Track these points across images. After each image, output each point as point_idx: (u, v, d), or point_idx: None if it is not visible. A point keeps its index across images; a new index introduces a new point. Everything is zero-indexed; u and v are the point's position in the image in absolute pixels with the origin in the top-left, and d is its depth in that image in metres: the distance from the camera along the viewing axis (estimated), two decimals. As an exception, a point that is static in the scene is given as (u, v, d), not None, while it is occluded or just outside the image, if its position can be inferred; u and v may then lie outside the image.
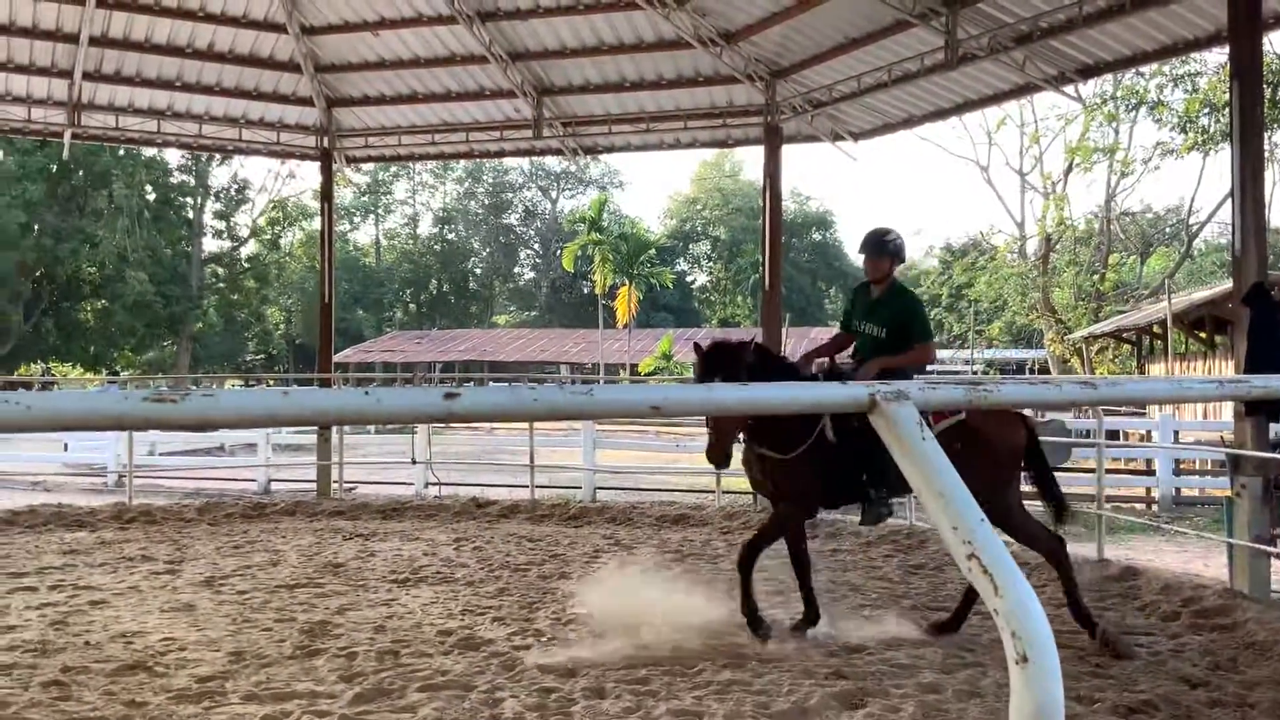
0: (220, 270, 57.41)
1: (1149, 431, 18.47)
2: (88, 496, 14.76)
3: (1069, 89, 12.21)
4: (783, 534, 6.69)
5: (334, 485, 14.49)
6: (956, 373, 43.51)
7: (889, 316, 6.82)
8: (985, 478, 5.70)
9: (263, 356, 64.56)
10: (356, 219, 73.51)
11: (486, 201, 75.23)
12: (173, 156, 50.99)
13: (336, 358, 43.51)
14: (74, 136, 15.40)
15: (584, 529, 11.42)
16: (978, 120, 35.94)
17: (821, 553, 9.84)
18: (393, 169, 67.93)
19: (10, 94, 14.78)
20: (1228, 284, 11.75)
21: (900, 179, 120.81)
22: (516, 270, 77.40)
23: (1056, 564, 6.63)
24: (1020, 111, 35.31)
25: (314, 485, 15.08)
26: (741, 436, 6.64)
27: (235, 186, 56.75)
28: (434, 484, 14.83)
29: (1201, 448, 14.42)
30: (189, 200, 54.93)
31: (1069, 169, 34.72)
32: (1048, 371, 37.50)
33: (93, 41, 13.92)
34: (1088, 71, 11.71)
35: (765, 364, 6.47)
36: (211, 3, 13.98)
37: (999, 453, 6.53)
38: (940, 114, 13.53)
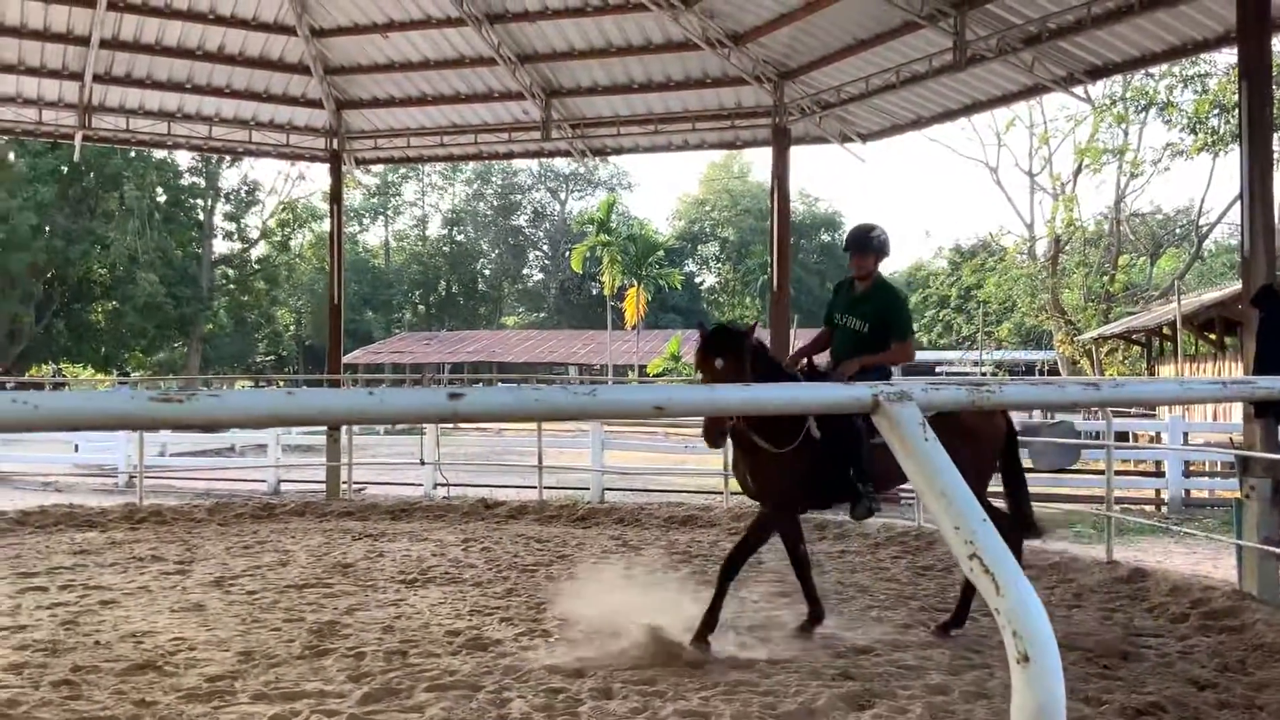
0: (230, 272, 57.55)
1: (1158, 433, 18.42)
2: (98, 497, 14.82)
3: (1078, 90, 12.20)
4: (766, 537, 6.61)
5: (343, 486, 14.53)
6: (965, 374, 43.42)
7: (872, 311, 6.77)
8: (964, 465, 5.69)
9: (273, 358, 64.73)
10: (366, 221, 73.64)
11: (495, 203, 75.31)
12: (183, 159, 51.21)
13: (346, 359, 43.63)
14: (85, 139, 15.49)
15: (592, 530, 11.43)
16: (987, 121, 35.81)
17: (829, 554, 9.85)
18: (402, 171, 68.05)
19: (22, 96, 14.87)
20: (1238, 285, 11.72)
21: (909, 180, 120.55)
22: (525, 271, 77.46)
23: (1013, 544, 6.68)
24: (1029, 112, 35.23)
25: (323, 486, 15.12)
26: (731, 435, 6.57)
27: (245, 188, 56.92)
28: (443, 485, 14.86)
29: (1211, 449, 14.38)
30: (199, 202, 55.08)
31: (1078, 170, 34.65)
32: (1057, 373, 37.41)
33: (104, 44, 13.99)
34: (1096, 73, 11.70)
35: (762, 354, 6.44)
36: (222, 5, 14.04)
37: (981, 441, 6.51)
38: (949, 115, 13.53)
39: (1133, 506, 14.60)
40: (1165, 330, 25.51)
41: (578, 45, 14.18)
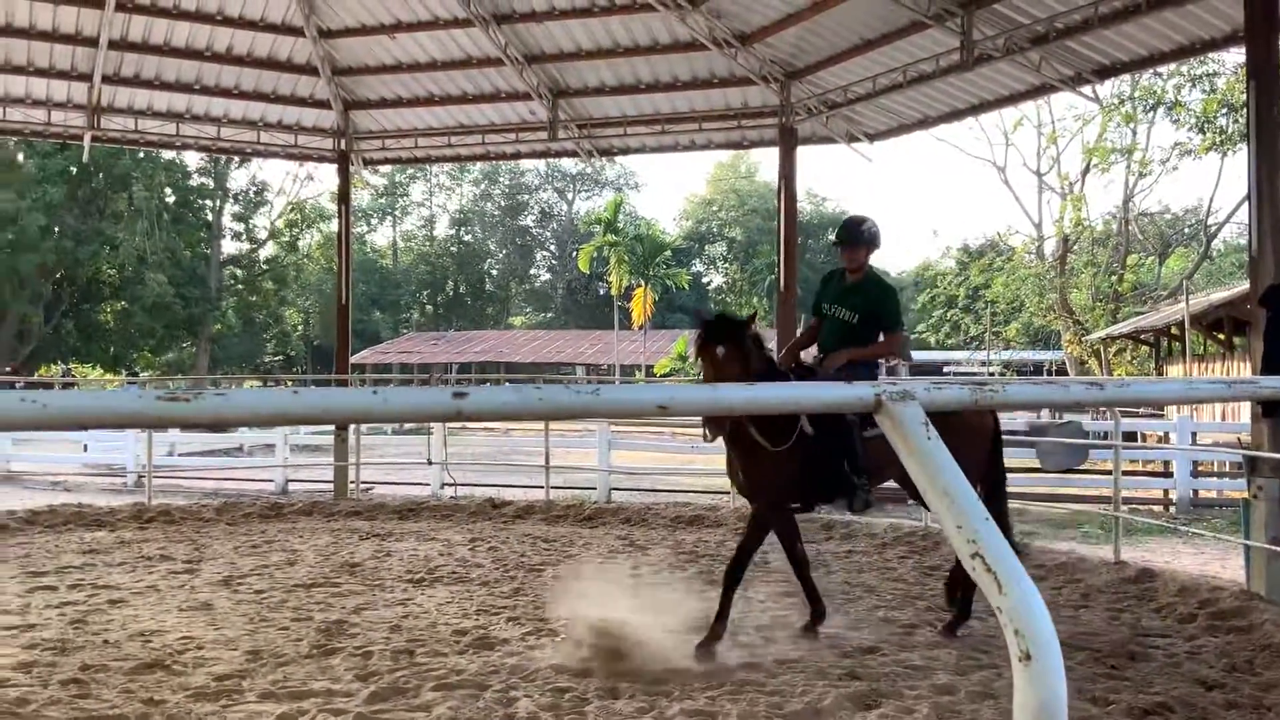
0: (239, 272, 57.68)
1: (1167, 433, 18.38)
2: (107, 496, 14.87)
3: (1085, 89, 12.19)
4: (763, 536, 6.56)
5: (351, 486, 14.56)
6: (973, 374, 43.33)
7: (862, 303, 6.74)
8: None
9: (281, 358, 64.85)
10: (374, 221, 73.80)
11: (503, 203, 75.39)
12: (192, 159, 51.33)
13: (354, 359, 43.69)
14: (94, 139, 15.54)
15: (599, 530, 11.44)
16: (995, 121, 35.90)
17: (836, 554, 9.85)
18: (409, 171, 68.15)
19: (31, 97, 14.92)
20: (1246, 285, 11.69)
21: (917, 180, 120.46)
22: (532, 272, 77.55)
23: None
24: (1037, 112, 35.15)
25: (331, 486, 15.16)
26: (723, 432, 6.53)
27: (254, 189, 57.06)
28: (450, 485, 14.88)
29: (1219, 449, 14.35)
30: (208, 203, 55.21)
31: (1086, 169, 34.55)
32: (1065, 373, 37.33)
33: (112, 45, 14.03)
34: (1104, 72, 11.67)
35: (760, 347, 6.40)
36: (230, 6, 14.07)
37: (970, 437, 6.47)
38: (956, 115, 13.51)
39: (1141, 507, 14.57)
40: (1173, 330, 25.44)
41: (585, 46, 14.19)
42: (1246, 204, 8.61)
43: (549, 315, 74.89)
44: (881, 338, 6.83)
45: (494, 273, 76.91)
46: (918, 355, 59.00)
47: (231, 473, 19.07)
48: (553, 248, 76.44)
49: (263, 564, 9.26)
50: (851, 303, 6.77)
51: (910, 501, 7.11)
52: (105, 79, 14.58)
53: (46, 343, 48.23)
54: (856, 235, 6.84)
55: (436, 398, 1.40)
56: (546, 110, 15.12)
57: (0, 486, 16.85)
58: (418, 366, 53.55)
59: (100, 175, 47.30)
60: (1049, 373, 42.81)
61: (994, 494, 6.74)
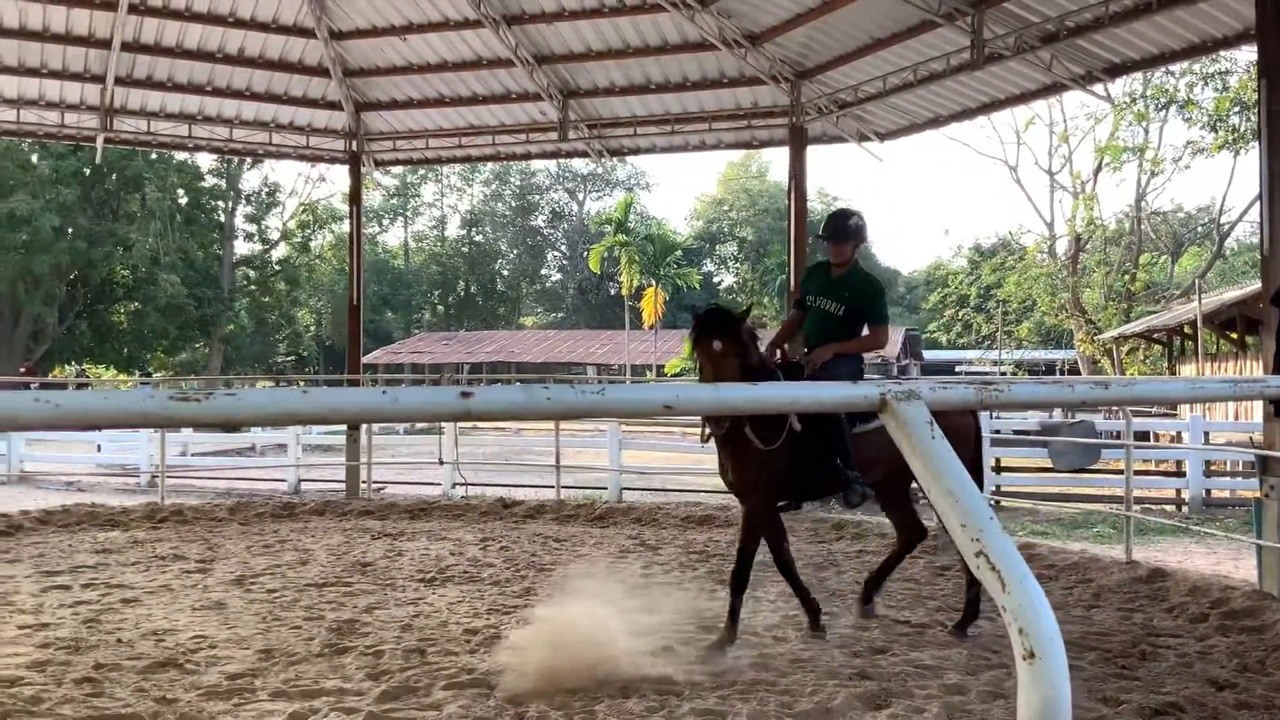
0: (251, 273, 57.81)
1: (1179, 433, 18.31)
2: (121, 496, 14.94)
3: (1097, 88, 12.15)
4: (760, 535, 6.48)
5: (363, 485, 14.61)
6: (985, 373, 43.22)
7: (849, 295, 6.72)
8: None
9: (293, 358, 64.99)
10: (385, 221, 73.87)
11: (513, 203, 75.44)
12: (204, 161, 51.42)
13: (366, 359, 43.79)
14: (107, 141, 15.62)
15: (610, 529, 11.46)
16: (1006, 120, 35.66)
17: (846, 554, 9.85)
18: (421, 172, 68.24)
19: (44, 99, 15.00)
20: (1259, 284, 11.65)
21: (928, 179, 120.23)
22: (543, 272, 77.58)
23: (905, 543, 7.19)
24: (1049, 111, 35.06)
25: (343, 485, 15.21)
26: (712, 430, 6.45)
27: (266, 190, 57.16)
28: (461, 484, 14.91)
29: (1231, 449, 14.29)
30: (220, 204, 55.36)
31: (1098, 168, 34.45)
32: (1077, 372, 37.22)
33: (125, 47, 14.10)
34: (1115, 70, 11.64)
35: (754, 342, 6.37)
36: (241, 8, 14.13)
37: (954, 435, 6.42)
38: (967, 114, 13.50)
39: (1153, 506, 14.53)
40: (1186, 329, 25.35)
41: (594, 46, 14.20)
42: (1258, 203, 8.57)
43: (560, 315, 74.92)
44: (866, 331, 6.80)
45: (505, 273, 76.96)
46: (929, 354, 58.92)
47: (244, 472, 19.14)
48: (563, 248, 76.46)
49: (275, 563, 9.30)
50: (837, 296, 6.75)
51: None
52: (118, 81, 14.65)
53: (60, 343, 48.45)
54: (843, 230, 6.81)
55: (444, 397, 1.41)
56: (557, 111, 15.14)
57: (15, 487, 16.95)
58: (429, 366, 53.61)
59: (113, 177, 47.47)
60: (1062, 372, 42.69)
61: None
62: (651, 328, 52.68)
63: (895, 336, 52.22)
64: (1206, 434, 16.35)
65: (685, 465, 18.04)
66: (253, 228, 58.02)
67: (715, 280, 73.26)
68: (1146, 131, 33.37)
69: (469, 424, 16.86)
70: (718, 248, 74.60)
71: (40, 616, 7.21)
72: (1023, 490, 15.66)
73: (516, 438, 27.32)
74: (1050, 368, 45.18)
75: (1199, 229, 42.88)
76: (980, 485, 7.01)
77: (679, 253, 55.97)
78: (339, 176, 69.03)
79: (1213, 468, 16.34)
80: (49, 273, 44.26)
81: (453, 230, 77.19)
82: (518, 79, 14.98)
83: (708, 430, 6.26)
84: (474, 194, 76.51)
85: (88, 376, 46.88)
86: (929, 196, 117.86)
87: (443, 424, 15.09)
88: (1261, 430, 9.17)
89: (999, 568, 1.52)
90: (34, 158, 44.39)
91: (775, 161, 70.79)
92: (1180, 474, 16.03)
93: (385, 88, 15.79)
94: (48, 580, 8.50)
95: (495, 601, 7.73)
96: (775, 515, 6.61)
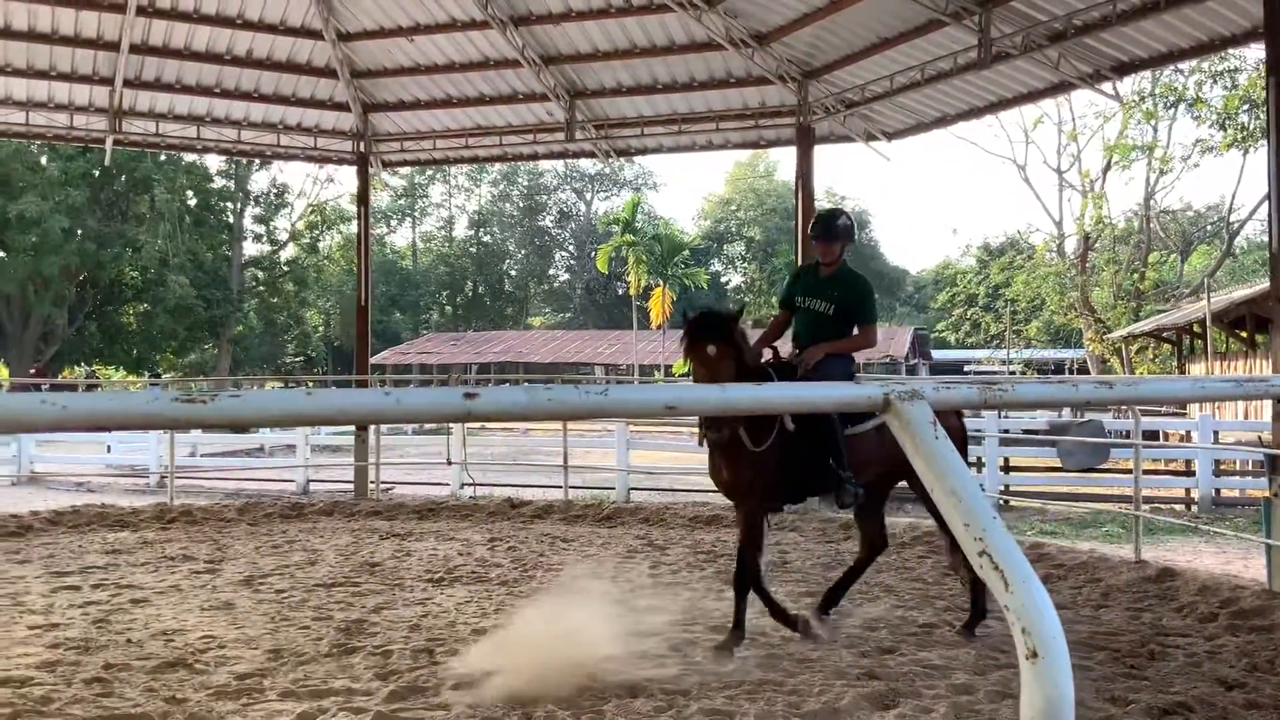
0: (260, 274, 57.97)
1: (1188, 432, 18.27)
2: (130, 497, 14.99)
3: (1105, 87, 12.11)
4: (759, 536, 6.37)
5: (371, 486, 14.63)
6: (993, 373, 43.13)
7: (838, 295, 6.68)
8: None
9: (302, 359, 65.14)
10: (393, 222, 74.00)
11: (521, 204, 75.51)
12: (213, 162, 51.62)
13: (374, 360, 43.83)
14: (115, 143, 15.67)
15: (617, 529, 11.46)
16: (1015, 118, 35.76)
17: (855, 554, 9.82)
18: (428, 172, 68.36)
19: (54, 101, 15.05)
20: (1268, 282, 11.60)
21: (936, 178, 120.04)
22: (551, 272, 77.63)
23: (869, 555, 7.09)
24: (1058, 109, 35.04)
25: (351, 486, 15.24)
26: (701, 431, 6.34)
27: (274, 191, 57.32)
28: (469, 485, 14.93)
29: (1241, 448, 14.24)
30: (229, 205, 55.51)
31: (1107, 167, 34.39)
32: (1087, 372, 37.13)
33: (133, 49, 14.14)
34: (1123, 69, 11.61)
35: (747, 344, 6.33)
36: (249, 10, 14.16)
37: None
38: (974, 113, 13.48)
39: (1162, 506, 14.49)
40: (1195, 328, 25.29)
41: (601, 47, 14.21)
42: (1268, 201, 8.54)
43: (567, 315, 74.96)
44: (856, 330, 6.75)
45: (513, 273, 77.04)
46: (938, 354, 58.82)
47: (253, 473, 19.19)
48: (571, 248, 76.49)
49: (284, 564, 9.33)
50: (827, 295, 6.71)
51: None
52: (127, 83, 14.70)
53: (70, 344, 48.64)
54: (832, 229, 6.77)
55: (447, 398, 1.42)
56: (564, 111, 15.15)
57: (25, 487, 17.02)
58: (437, 367, 53.67)
59: (122, 178, 47.64)
60: (1070, 371, 42.58)
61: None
62: (659, 328, 52.68)
63: (904, 336, 52.17)
64: (1216, 433, 16.30)
65: (693, 465, 18.00)
66: (261, 229, 58.21)
67: (723, 280, 73.28)
68: (1155, 130, 33.34)
69: (477, 424, 16.87)
70: (725, 247, 74.61)
71: (50, 617, 7.24)
72: (1032, 490, 15.63)
73: (524, 438, 27.34)
74: (1059, 367, 45.05)
75: (1208, 227, 42.75)
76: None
77: (686, 253, 55.99)
78: (347, 177, 69.07)
79: (1222, 467, 16.29)
80: (58, 274, 44.44)
81: (460, 230, 77.33)
82: (525, 79, 14.99)
83: (706, 435, 6.20)
84: (482, 194, 76.64)
85: (97, 378, 47.05)
86: (937, 195, 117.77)
87: (450, 424, 15.12)
88: (1271, 429, 9.14)
89: (1002, 567, 1.52)
90: (43, 160, 44.58)
91: (783, 161, 70.87)
92: (1190, 473, 16.00)
93: (392, 89, 15.82)
94: (58, 581, 8.53)
95: (503, 602, 7.74)
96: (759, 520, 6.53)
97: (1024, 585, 1.52)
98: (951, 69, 12.02)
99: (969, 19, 11.18)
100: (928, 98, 13.22)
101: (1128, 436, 17.78)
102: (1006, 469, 15.97)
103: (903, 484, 7.14)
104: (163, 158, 45.16)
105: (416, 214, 75.95)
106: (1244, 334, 23.24)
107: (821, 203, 67.25)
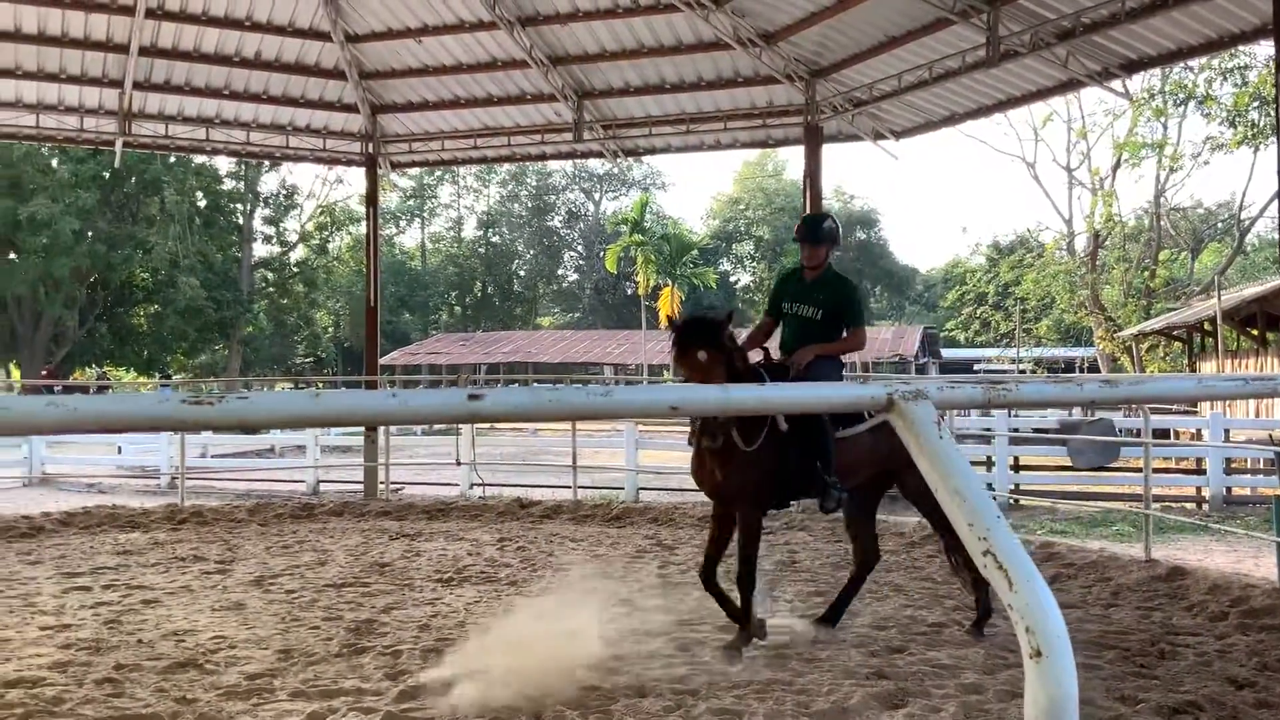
0: (270, 275, 58.12)
1: (1199, 430, 18.20)
2: (141, 498, 15.04)
3: (1114, 84, 12.09)
4: (758, 537, 6.37)
5: (381, 486, 14.67)
6: (1003, 371, 43.04)
7: (825, 299, 6.63)
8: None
9: (312, 359, 65.30)
10: (402, 223, 74.13)
11: (530, 204, 75.55)
12: (222, 164, 51.75)
13: (383, 360, 43.92)
14: (125, 145, 15.73)
15: (626, 529, 11.47)
16: (1024, 116, 35.61)
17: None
18: (437, 173, 68.44)
19: (64, 104, 15.11)
20: (1279, 280, 11.59)
21: (946, 176, 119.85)
22: (560, 272, 77.67)
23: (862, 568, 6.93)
24: (1067, 107, 34.96)
25: (361, 486, 15.28)
26: (693, 432, 6.37)
27: (284, 192, 57.48)
28: (479, 485, 14.96)
29: (1252, 446, 14.19)
30: (239, 206, 55.65)
31: (1117, 164, 34.31)
32: (1097, 370, 37.05)
33: (142, 51, 14.19)
34: (1132, 66, 11.58)
35: (738, 347, 6.28)
36: (258, 12, 14.20)
37: None
38: (983, 111, 13.47)
39: (1173, 504, 14.44)
40: (1206, 326, 25.21)
41: (609, 47, 14.22)
42: (1278, 198, 8.51)
43: (576, 315, 74.99)
44: (846, 333, 6.72)
45: (522, 273, 77.09)
46: (948, 353, 58.70)
47: (263, 474, 19.24)
48: (580, 248, 76.52)
49: (294, 564, 9.35)
50: (814, 300, 6.66)
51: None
52: (136, 85, 14.75)
53: (81, 346, 48.83)
54: (817, 233, 6.74)
55: (452, 399, 1.42)
56: (572, 111, 15.16)
57: (37, 489, 17.09)
58: (446, 367, 53.72)
59: (132, 180, 47.79)
60: (1081, 370, 42.48)
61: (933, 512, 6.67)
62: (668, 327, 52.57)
63: (914, 335, 52.10)
64: (1227, 431, 16.24)
65: (702, 465, 18.01)
66: (271, 230, 58.37)
67: (732, 279, 73.25)
68: (1165, 127, 33.24)
69: (486, 425, 16.91)
70: (734, 247, 74.57)
71: (62, 617, 7.27)
72: (1042, 488, 15.59)
73: (534, 438, 27.37)
74: (1070, 365, 44.93)
75: (1219, 225, 42.61)
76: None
77: (695, 252, 55.97)
78: (356, 179, 69.50)
79: (1233, 465, 16.23)
80: (69, 276, 44.60)
81: (469, 231, 77.43)
82: (533, 80, 15.01)
83: (702, 441, 6.16)
84: (490, 195, 76.73)
85: (108, 379, 47.24)
86: (946, 194, 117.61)
87: (460, 425, 15.14)
88: (1281, 427, 9.11)
89: (1006, 566, 1.53)
90: (54, 162, 44.76)
91: (792, 160, 70.77)
92: (1200, 471, 15.94)
93: (401, 90, 15.85)
94: (69, 581, 8.57)
95: (512, 602, 7.75)
96: (731, 523, 6.50)
97: (1028, 584, 1.53)
98: (960, 67, 12.00)
99: (977, 17, 11.16)
100: (936, 96, 13.20)
101: (1138, 435, 17.74)
102: (1016, 468, 15.94)
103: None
104: (172, 160, 45.31)
105: (425, 215, 76.07)
106: (1255, 332, 23.16)
107: (830, 201, 67.18)
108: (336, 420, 1.41)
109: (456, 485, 15.43)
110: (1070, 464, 16.61)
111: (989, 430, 15.38)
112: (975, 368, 51.90)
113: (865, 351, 47.73)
